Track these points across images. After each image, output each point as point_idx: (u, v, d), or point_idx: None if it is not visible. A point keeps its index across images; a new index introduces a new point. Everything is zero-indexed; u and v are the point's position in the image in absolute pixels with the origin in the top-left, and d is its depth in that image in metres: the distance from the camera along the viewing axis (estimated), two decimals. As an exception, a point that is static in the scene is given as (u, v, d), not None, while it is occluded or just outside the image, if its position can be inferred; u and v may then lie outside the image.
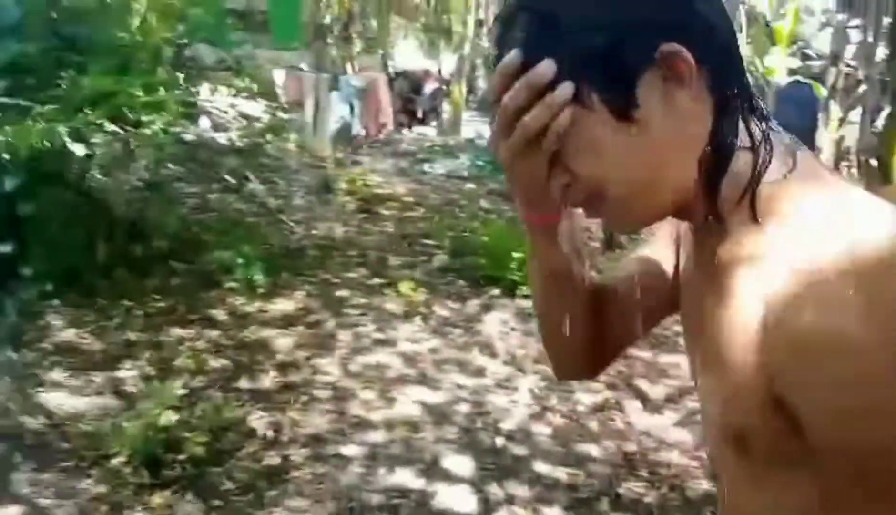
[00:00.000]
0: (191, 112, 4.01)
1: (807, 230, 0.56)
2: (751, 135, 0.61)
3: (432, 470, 2.53)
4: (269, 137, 4.61)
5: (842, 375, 0.51)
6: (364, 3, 11.90)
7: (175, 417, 2.51)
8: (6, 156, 3.01)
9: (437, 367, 3.33)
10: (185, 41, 4.01)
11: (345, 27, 11.82)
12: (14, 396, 2.69)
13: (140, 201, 4.18)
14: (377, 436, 2.72)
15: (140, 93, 3.28)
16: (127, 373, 2.99)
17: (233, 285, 4.02)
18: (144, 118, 3.34)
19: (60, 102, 3.14)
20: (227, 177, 4.53)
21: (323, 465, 2.51)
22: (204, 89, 4.51)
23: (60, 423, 2.60)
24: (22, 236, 3.35)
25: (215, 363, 3.14)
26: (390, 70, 13.07)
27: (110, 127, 3.22)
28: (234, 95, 4.61)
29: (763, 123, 0.62)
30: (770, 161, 0.60)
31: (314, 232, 5.28)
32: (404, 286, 4.18)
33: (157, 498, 2.26)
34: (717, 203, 0.62)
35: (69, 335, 3.21)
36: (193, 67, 4.20)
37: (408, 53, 17.27)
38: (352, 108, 9.80)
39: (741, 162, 0.61)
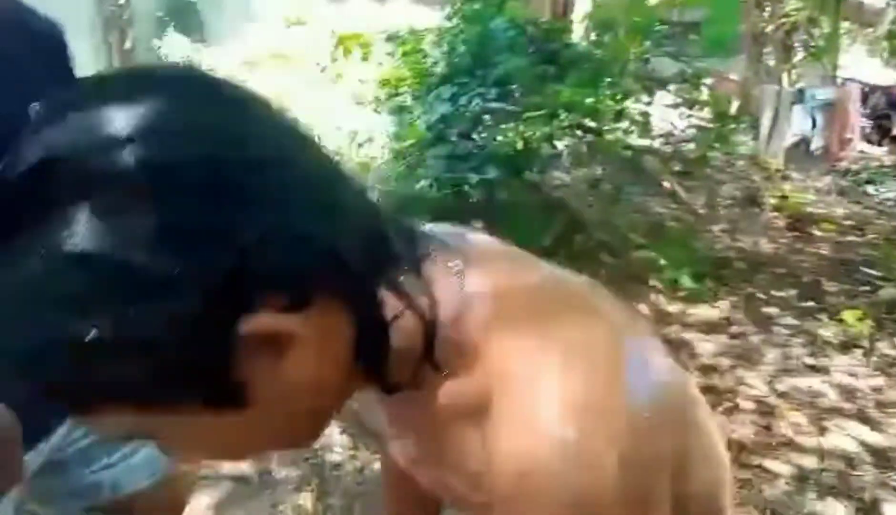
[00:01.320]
0: (646, 121, 4.27)
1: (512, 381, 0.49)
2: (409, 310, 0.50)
3: (871, 512, 2.32)
4: (716, 145, 4.64)
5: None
6: (814, 8, 10.95)
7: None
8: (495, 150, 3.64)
9: (880, 408, 3.00)
10: (648, 55, 4.28)
11: (787, 35, 11.05)
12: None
13: (585, 197, 4.61)
14: (806, 461, 2.59)
15: (608, 102, 3.63)
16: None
17: (657, 284, 4.18)
18: (606, 126, 3.68)
19: (540, 109, 3.66)
20: (665, 183, 4.69)
21: (746, 472, 2.50)
22: (661, 98, 4.74)
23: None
24: (494, 218, 4.01)
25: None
26: (840, 81, 11.76)
27: (577, 132, 3.64)
28: (690, 108, 4.74)
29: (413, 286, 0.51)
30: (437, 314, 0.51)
31: (739, 244, 5.14)
32: (848, 315, 3.82)
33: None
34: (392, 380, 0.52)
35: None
36: (654, 78, 4.45)
37: (855, 63, 15.33)
38: (814, 122, 9.04)
39: (403, 333, 0.50)
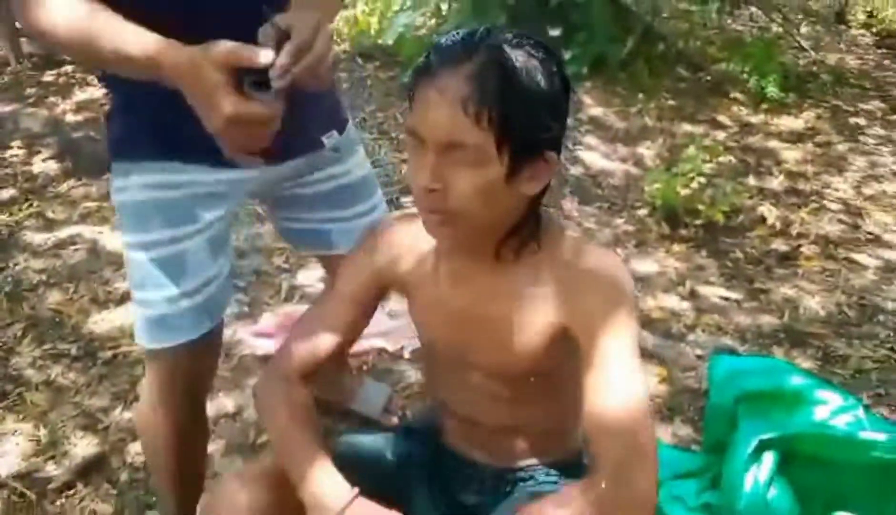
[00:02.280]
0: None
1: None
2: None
3: (959, 300, 2.36)
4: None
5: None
6: None
7: (692, 187, 2.76)
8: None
9: (971, 211, 2.96)
10: None
11: None
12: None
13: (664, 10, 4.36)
14: (893, 255, 2.61)
15: None
16: (645, 151, 3.35)
17: (738, 95, 4.04)
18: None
19: None
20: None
21: (834, 263, 2.54)
22: None
23: (595, 175, 3.09)
24: (569, 23, 3.85)
25: (723, 158, 3.28)
26: None
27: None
28: None
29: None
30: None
31: (825, 61, 4.87)
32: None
33: (676, 247, 2.60)
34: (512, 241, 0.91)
35: (598, 111, 3.67)
36: None
37: None
38: None
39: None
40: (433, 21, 4.29)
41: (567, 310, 0.90)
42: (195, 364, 1.21)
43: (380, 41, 4.08)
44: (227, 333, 2.04)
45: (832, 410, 1.45)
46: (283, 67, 0.83)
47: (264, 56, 0.81)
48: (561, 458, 1.06)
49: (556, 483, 1.03)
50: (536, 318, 0.92)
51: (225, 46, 0.81)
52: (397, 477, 1.06)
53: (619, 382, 0.86)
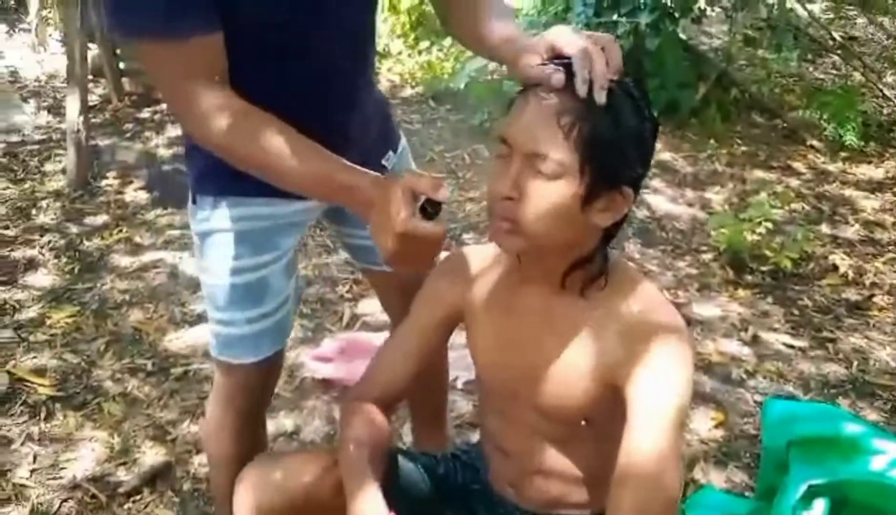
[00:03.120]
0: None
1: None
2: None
3: None
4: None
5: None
6: None
7: (760, 233, 2.71)
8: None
9: None
10: None
11: None
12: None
13: (739, 56, 4.34)
14: (977, 310, 2.48)
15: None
16: (713, 196, 3.31)
17: (815, 143, 3.95)
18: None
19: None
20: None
21: (913, 319, 2.44)
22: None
23: (660, 218, 3.08)
24: (642, 69, 3.88)
25: (795, 205, 3.22)
26: None
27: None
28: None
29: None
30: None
31: (910, 109, 4.70)
32: None
33: (741, 292, 2.55)
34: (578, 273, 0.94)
35: (666, 156, 3.67)
36: None
37: None
38: None
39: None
40: (502, 66, 4.40)
41: (622, 357, 0.91)
42: (262, 381, 1.29)
43: (451, 85, 4.22)
44: (291, 355, 2.14)
45: (890, 460, 1.39)
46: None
47: (443, 193, 0.86)
48: (599, 510, 1.04)
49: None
50: (592, 359, 0.93)
51: (411, 177, 0.87)
52: (433, 503, 1.09)
53: (651, 437, 0.85)
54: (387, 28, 4.99)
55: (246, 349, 1.22)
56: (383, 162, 1.27)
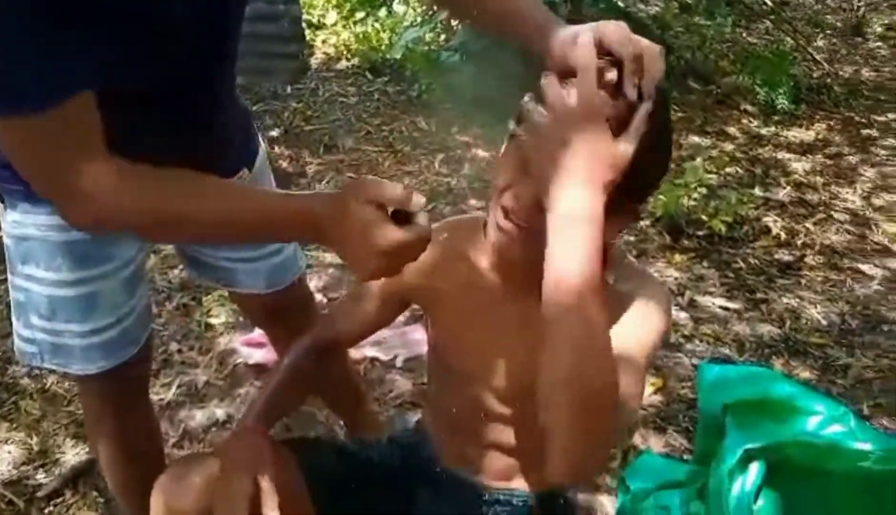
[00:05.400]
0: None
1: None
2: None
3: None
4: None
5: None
6: None
7: (696, 198, 2.73)
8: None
9: None
10: None
11: None
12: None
13: (675, 23, 4.35)
14: (900, 265, 2.56)
15: None
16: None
17: (749, 107, 4.01)
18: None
19: None
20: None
21: (839, 273, 2.49)
22: None
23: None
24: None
25: (729, 169, 3.26)
26: None
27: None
28: None
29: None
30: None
31: (839, 73, 4.82)
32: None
33: (677, 257, 2.57)
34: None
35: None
36: None
37: None
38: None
39: None
40: (441, 36, 4.32)
41: None
42: (112, 386, 1.18)
43: (388, 56, 4.12)
44: (223, 342, 2.06)
45: (822, 419, 1.40)
46: None
47: (417, 201, 0.79)
48: (547, 492, 1.04)
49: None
50: None
51: (375, 186, 0.79)
52: (350, 487, 1.06)
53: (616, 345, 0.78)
54: (320, -2, 4.84)
55: (74, 360, 1.10)
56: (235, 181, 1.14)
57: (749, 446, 1.33)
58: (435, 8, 4.07)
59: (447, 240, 0.99)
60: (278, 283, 1.31)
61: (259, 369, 1.94)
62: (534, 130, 0.77)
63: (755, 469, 1.34)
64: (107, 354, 1.13)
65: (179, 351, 2.03)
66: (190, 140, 0.96)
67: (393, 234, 0.77)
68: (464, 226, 1.01)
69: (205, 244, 1.23)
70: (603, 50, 0.80)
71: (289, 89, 3.86)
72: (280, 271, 1.31)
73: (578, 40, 0.80)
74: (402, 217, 0.79)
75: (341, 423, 1.69)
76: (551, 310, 0.71)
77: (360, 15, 4.68)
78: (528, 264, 0.82)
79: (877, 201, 3.05)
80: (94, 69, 0.75)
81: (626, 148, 0.74)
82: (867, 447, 1.33)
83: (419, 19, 4.37)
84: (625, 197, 0.80)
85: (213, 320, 2.15)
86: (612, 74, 0.78)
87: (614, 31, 0.81)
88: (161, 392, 1.89)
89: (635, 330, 0.85)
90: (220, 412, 1.84)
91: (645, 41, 0.81)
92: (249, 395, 1.87)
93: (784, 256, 2.58)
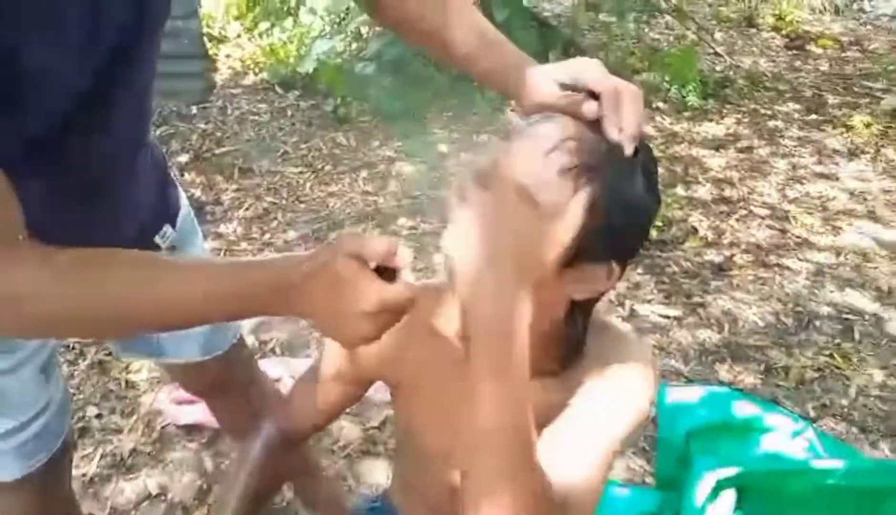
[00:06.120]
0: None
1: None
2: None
3: (888, 298, 2.40)
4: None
5: None
6: None
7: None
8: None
9: (891, 207, 3.04)
10: None
11: None
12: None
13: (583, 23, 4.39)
14: (823, 257, 2.64)
15: None
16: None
17: (661, 105, 4.09)
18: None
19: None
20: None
21: (766, 271, 2.55)
22: None
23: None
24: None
25: (651, 169, 3.29)
26: None
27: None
28: None
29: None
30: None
31: (740, 65, 5.00)
32: (857, 121, 3.79)
33: (613, 266, 2.56)
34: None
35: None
36: None
37: None
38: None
39: None
40: (353, 46, 4.20)
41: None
42: (29, 497, 1.05)
43: (299, 69, 3.96)
44: (147, 400, 1.89)
45: (783, 436, 1.41)
46: None
47: (402, 257, 0.67)
48: None
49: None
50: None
51: (355, 240, 0.67)
52: None
53: (570, 439, 0.72)
54: (221, 10, 4.61)
55: None
56: (156, 239, 1.02)
57: (721, 477, 1.31)
58: (370, 22, 3.94)
59: (413, 310, 0.90)
60: (216, 348, 1.18)
61: (191, 429, 1.79)
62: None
63: (728, 498, 1.32)
64: (21, 459, 0.99)
65: (99, 416, 1.85)
66: (98, 202, 0.85)
67: (379, 291, 0.65)
68: (430, 293, 0.93)
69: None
70: (578, 89, 0.75)
71: (194, 110, 3.65)
72: (216, 335, 1.18)
73: (552, 77, 0.77)
74: (385, 275, 0.68)
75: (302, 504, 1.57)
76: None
77: (264, 26, 4.49)
78: None
79: (791, 193, 3.16)
80: None
81: (563, 235, 0.67)
82: (831, 464, 1.34)
83: (328, 29, 4.23)
84: (605, 254, 0.73)
85: (134, 377, 1.97)
86: (591, 106, 0.71)
87: (591, 67, 0.76)
88: (82, 465, 1.71)
89: (606, 412, 0.76)
90: (151, 483, 1.67)
91: (623, 81, 0.75)
92: (183, 462, 1.72)
93: (714, 257, 2.62)
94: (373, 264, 0.67)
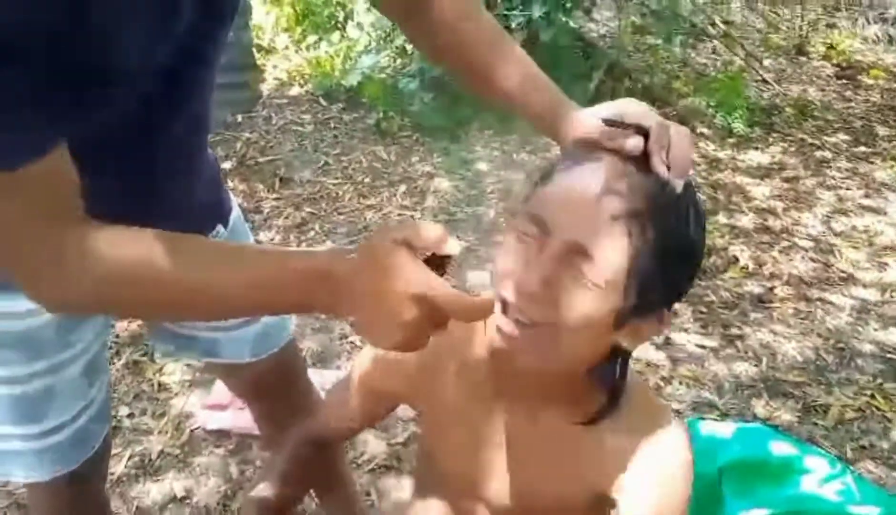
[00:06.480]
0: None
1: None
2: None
3: (935, 340, 2.32)
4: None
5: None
6: None
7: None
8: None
9: (941, 245, 2.94)
10: None
11: None
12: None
13: (628, 46, 4.37)
14: (867, 293, 2.57)
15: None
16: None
17: (705, 131, 4.04)
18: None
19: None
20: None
21: (808, 305, 2.48)
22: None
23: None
24: (537, 59, 3.82)
25: (693, 196, 3.25)
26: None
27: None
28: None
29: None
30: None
31: (788, 93, 4.91)
32: (905, 155, 3.69)
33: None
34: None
35: (565, 150, 3.63)
36: None
37: None
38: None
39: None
40: (398, 61, 4.24)
41: (616, 484, 0.78)
42: (63, 498, 1.06)
43: (343, 82, 4.01)
44: (178, 403, 1.91)
45: (820, 479, 1.36)
46: None
47: (453, 245, 0.64)
48: None
49: None
50: (579, 482, 0.80)
51: (403, 226, 0.65)
52: None
53: None
54: (270, 22, 4.70)
55: (18, 467, 0.98)
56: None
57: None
58: (428, 56, 3.99)
59: (442, 335, 0.88)
60: (264, 350, 1.18)
61: (219, 434, 1.81)
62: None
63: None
64: (59, 459, 1.00)
65: (130, 416, 1.88)
66: (156, 202, 0.85)
67: (428, 278, 0.62)
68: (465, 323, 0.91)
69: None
70: (622, 125, 0.72)
71: (240, 118, 3.72)
72: (266, 338, 1.18)
73: (595, 114, 0.76)
74: (434, 265, 0.64)
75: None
76: None
77: (311, 39, 4.56)
78: (529, 368, 0.73)
79: (836, 226, 3.08)
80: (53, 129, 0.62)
81: (615, 303, 0.69)
82: (868, 511, 1.29)
83: (374, 44, 4.28)
84: (660, 303, 0.71)
85: (167, 379, 2.00)
86: (636, 140, 0.68)
87: (635, 106, 0.75)
88: (110, 465, 1.73)
89: (656, 502, 0.74)
90: (177, 487, 1.69)
91: (671, 122, 0.73)
92: (210, 467, 1.73)
93: (754, 288, 2.57)
94: (421, 256, 0.64)
